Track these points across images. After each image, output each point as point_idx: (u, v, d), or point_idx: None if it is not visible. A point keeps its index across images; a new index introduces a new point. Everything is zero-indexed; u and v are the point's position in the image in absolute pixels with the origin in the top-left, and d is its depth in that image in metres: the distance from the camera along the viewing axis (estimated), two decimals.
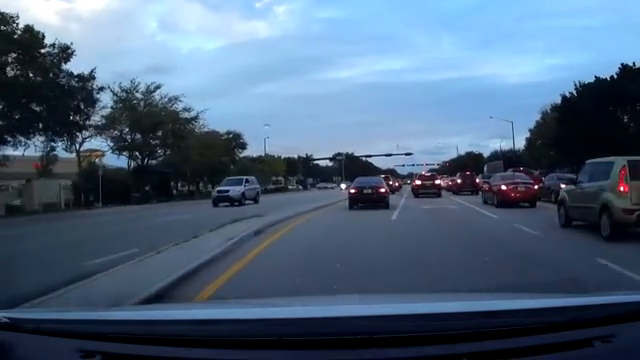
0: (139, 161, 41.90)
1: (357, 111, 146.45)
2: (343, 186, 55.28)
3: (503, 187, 19.56)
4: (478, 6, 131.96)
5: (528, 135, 56.02)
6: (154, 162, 43.77)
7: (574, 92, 35.74)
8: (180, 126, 42.83)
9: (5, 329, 1.44)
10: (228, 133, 62.07)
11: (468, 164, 57.94)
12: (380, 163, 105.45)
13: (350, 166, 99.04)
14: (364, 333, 1.36)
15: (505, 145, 68.54)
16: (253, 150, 70.16)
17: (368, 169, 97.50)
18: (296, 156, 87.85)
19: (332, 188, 62.12)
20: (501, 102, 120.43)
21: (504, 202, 18.89)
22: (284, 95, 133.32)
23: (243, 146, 65.69)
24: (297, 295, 4.82)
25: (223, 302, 3.33)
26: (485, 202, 21.52)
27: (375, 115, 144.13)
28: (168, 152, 44.14)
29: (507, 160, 48.02)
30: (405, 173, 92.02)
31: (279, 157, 79.53)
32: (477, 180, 34.17)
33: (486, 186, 22.63)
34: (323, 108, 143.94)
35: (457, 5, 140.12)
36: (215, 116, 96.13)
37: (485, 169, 43.19)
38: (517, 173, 23.44)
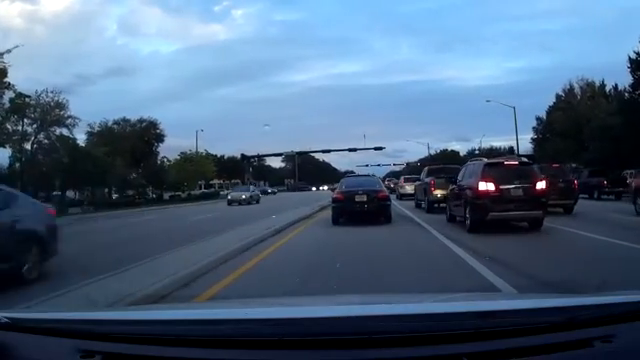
0: None
1: (314, 114, 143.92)
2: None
3: None
4: (437, 10, 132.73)
5: (534, 125, 50.65)
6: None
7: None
8: None
9: (5, 329, 1.45)
10: (140, 122, 48.38)
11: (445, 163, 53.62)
12: (338, 164, 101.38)
13: (305, 167, 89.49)
14: (364, 333, 1.36)
15: (484, 142, 66.25)
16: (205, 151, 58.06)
17: (325, 170, 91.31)
18: (240, 155, 71.47)
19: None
20: (461, 105, 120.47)
21: None
22: (240, 98, 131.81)
23: (160, 138, 50.09)
24: (297, 295, 4.82)
25: (224, 302, 3.33)
26: None
27: (332, 118, 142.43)
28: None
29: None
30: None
31: (207, 154, 59.49)
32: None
33: None
34: (279, 112, 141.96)
35: (416, 8, 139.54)
36: (171, 119, 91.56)
37: None
38: None
